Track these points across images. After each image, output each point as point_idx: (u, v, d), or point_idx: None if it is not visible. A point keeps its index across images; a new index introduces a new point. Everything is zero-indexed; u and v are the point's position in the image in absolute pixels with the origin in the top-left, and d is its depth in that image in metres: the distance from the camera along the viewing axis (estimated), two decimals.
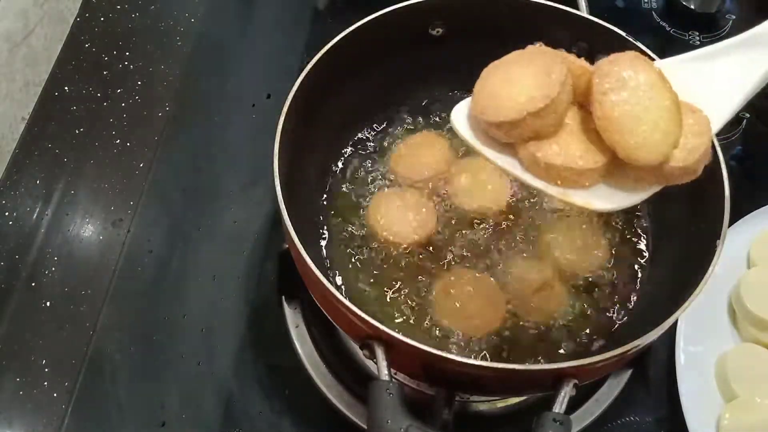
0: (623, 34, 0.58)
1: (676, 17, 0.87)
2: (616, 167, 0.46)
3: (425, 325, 0.57)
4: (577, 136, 0.46)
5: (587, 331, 0.58)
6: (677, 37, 0.86)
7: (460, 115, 0.49)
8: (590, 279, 0.59)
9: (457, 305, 0.57)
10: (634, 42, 0.57)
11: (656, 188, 0.47)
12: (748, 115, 0.79)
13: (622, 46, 0.56)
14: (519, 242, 0.60)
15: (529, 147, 0.45)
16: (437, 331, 0.57)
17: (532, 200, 0.62)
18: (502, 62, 0.48)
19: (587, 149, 0.45)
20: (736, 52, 0.49)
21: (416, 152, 0.64)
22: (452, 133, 0.56)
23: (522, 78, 0.45)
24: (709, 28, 0.86)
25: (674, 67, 0.50)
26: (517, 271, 0.59)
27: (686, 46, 0.85)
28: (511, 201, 0.62)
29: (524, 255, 0.60)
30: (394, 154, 0.65)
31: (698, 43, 0.85)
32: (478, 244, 0.60)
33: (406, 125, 0.67)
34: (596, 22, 0.59)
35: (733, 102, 0.49)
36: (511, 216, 0.61)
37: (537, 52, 0.47)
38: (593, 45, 0.58)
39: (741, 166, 0.77)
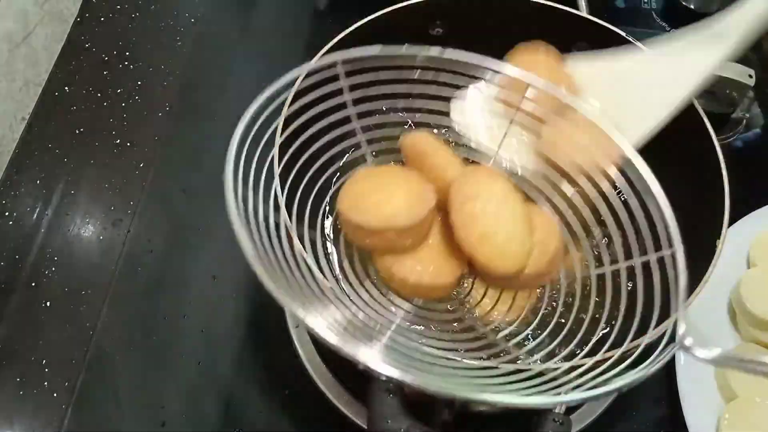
0: (623, 34, 0.58)
1: (676, 17, 0.87)
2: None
3: None
4: (433, 251, 0.47)
5: (587, 330, 0.58)
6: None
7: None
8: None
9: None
10: (634, 42, 0.57)
11: None
12: (748, 114, 0.79)
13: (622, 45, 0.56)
14: None
15: (386, 260, 0.47)
16: None
17: None
18: (375, 170, 0.49)
19: (443, 263, 0.46)
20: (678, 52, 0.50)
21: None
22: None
23: (393, 191, 0.46)
24: None
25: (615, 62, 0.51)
26: None
27: None
28: None
29: None
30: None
31: None
32: None
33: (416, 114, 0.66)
34: (596, 22, 0.59)
35: (671, 105, 0.50)
36: None
37: (409, 172, 0.49)
38: (593, 45, 0.58)
39: (741, 166, 0.77)
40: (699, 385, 0.62)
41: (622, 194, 0.46)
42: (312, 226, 0.50)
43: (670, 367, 0.63)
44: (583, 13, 0.64)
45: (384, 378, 0.39)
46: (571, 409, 0.60)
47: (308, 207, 0.50)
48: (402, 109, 0.53)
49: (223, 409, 0.62)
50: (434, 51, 0.47)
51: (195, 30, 0.80)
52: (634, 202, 0.45)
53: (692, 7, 0.85)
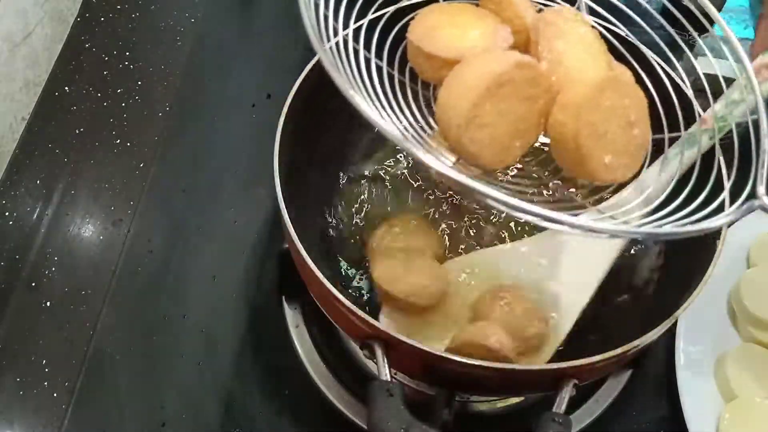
0: (623, 34, 0.58)
1: (675, 17, 0.87)
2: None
3: None
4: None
5: (587, 330, 0.58)
6: (677, 37, 0.86)
7: None
8: None
9: None
10: (634, 42, 0.57)
11: None
12: None
13: (622, 45, 0.56)
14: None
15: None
16: None
17: None
18: (450, 6, 0.47)
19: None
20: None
21: None
22: None
23: (468, 26, 0.44)
24: (709, 29, 0.86)
25: (542, 241, 0.56)
26: None
27: (686, 46, 0.85)
28: None
29: None
30: None
31: (698, 42, 0.85)
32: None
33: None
34: (596, 22, 0.59)
35: (595, 279, 0.54)
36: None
37: (484, 11, 0.47)
38: None
39: (741, 166, 0.77)
40: (699, 385, 0.62)
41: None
42: (378, 56, 0.47)
43: (670, 367, 0.63)
44: (583, 12, 0.64)
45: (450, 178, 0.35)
46: (571, 409, 0.60)
47: (375, 35, 0.48)
48: None
49: (223, 409, 0.62)
50: None
51: (195, 30, 0.80)
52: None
53: (692, 7, 0.85)
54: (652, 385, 0.65)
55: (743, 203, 0.42)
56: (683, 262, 0.55)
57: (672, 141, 0.51)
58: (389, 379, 0.47)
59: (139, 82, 0.75)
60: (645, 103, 0.44)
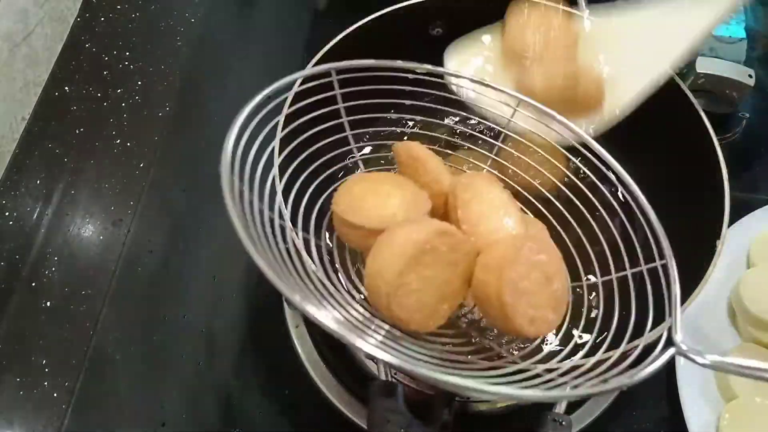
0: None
1: None
2: None
3: None
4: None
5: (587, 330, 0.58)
6: None
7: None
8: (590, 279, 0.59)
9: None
10: None
11: None
12: (747, 115, 0.79)
13: None
14: None
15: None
16: None
17: None
18: (370, 175, 0.50)
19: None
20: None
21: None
22: None
23: (389, 195, 0.47)
24: None
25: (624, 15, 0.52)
26: None
27: None
28: None
29: None
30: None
31: None
32: None
33: (407, 125, 0.67)
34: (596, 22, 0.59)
35: (679, 49, 0.50)
36: None
37: (403, 178, 0.49)
38: None
39: (741, 166, 0.77)
40: (699, 385, 0.62)
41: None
42: (305, 228, 0.50)
43: (670, 367, 0.63)
44: (583, 12, 0.64)
45: (381, 360, 0.39)
46: (571, 408, 0.60)
47: (301, 209, 0.50)
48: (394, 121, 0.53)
49: (223, 409, 0.62)
50: (427, 67, 0.51)
51: (195, 30, 0.80)
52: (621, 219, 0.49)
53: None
54: (652, 385, 0.65)
55: (661, 352, 0.41)
56: (683, 262, 0.55)
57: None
58: (389, 379, 0.47)
59: (139, 82, 0.75)
60: (560, 257, 0.46)
